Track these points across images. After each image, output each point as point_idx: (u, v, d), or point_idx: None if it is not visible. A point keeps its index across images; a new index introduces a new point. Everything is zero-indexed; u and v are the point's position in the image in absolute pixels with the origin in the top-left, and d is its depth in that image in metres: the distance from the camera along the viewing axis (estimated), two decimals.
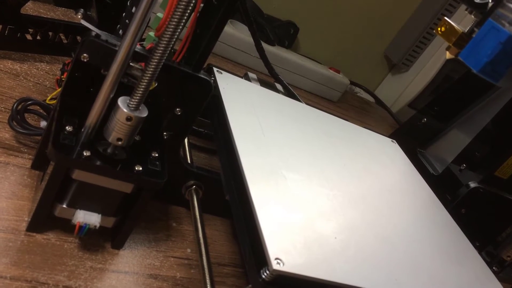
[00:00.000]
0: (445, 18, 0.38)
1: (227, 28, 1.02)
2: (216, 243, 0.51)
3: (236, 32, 1.03)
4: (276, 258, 0.34)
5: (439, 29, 0.38)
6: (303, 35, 1.27)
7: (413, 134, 0.83)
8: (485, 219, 0.69)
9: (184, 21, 0.34)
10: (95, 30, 0.38)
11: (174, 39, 0.35)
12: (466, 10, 0.38)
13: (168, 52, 0.35)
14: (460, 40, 0.37)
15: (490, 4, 0.35)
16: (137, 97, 0.36)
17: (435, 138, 0.80)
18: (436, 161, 0.78)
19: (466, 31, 0.37)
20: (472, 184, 0.67)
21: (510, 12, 0.32)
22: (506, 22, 0.32)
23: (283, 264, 0.34)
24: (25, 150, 0.47)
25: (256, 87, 0.63)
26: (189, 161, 0.57)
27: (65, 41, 0.62)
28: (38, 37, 0.59)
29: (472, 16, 0.37)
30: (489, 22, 0.33)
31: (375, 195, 0.53)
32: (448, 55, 0.38)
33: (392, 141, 0.70)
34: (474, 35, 0.36)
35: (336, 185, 0.49)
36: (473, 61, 0.34)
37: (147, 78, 0.35)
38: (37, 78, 0.58)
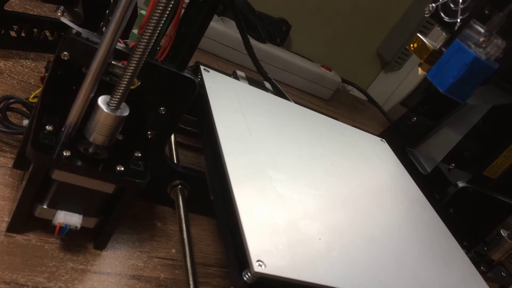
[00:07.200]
0: (418, 34, 0.38)
1: (217, 26, 1.01)
2: (202, 243, 0.51)
3: (227, 30, 1.03)
4: (258, 260, 0.33)
5: (411, 45, 0.38)
6: (295, 32, 1.26)
7: (403, 132, 0.82)
8: (473, 219, 0.69)
9: (165, 18, 0.34)
10: (75, 27, 0.38)
11: (155, 37, 0.34)
12: (438, 27, 0.38)
13: (149, 50, 0.34)
14: (432, 57, 0.37)
15: (458, 24, 0.35)
16: (118, 96, 0.35)
17: (425, 137, 0.80)
18: (425, 160, 0.77)
19: (437, 48, 0.37)
20: (461, 184, 0.67)
21: (476, 34, 0.32)
22: (472, 44, 0.32)
23: (265, 266, 0.33)
24: (7, 149, 0.46)
25: (243, 86, 0.62)
26: (175, 160, 0.56)
27: (50, 38, 0.61)
28: (23, 34, 0.58)
29: (444, 34, 0.37)
30: (456, 43, 0.33)
31: (362, 195, 0.52)
32: (420, 71, 0.38)
33: (381, 140, 0.70)
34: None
35: (323, 185, 0.49)
36: (439, 81, 0.34)
37: (127, 76, 0.35)
38: (22, 75, 0.57)
